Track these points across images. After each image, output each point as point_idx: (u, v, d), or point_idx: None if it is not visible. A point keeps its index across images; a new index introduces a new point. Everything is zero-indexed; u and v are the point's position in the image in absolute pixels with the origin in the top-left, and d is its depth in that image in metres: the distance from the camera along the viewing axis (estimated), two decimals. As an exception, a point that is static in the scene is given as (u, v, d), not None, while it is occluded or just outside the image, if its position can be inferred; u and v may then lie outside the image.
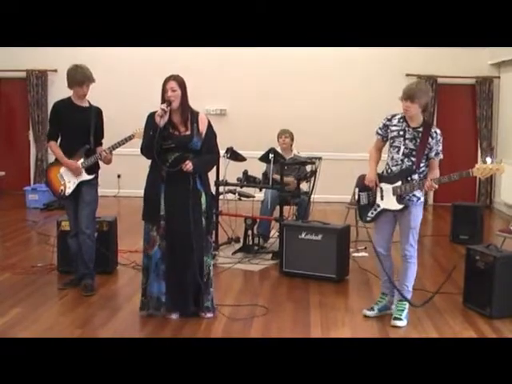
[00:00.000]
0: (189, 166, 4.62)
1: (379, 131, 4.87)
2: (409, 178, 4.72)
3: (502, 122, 10.51)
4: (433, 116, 10.61)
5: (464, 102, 10.78)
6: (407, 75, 10.48)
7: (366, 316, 4.97)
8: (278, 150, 7.21)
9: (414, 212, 4.77)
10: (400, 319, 4.79)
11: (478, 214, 7.79)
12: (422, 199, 4.81)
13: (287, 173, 7.09)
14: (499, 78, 10.54)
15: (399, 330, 4.71)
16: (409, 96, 4.59)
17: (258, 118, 10.53)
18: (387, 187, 4.76)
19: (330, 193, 9.73)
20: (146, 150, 4.70)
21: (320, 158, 6.93)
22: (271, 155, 6.68)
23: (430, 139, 4.65)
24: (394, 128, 4.77)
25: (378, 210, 4.83)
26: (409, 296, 4.87)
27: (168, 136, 4.66)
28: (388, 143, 4.84)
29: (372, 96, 10.51)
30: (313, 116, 10.54)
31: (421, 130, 4.68)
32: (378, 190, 4.81)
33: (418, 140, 4.66)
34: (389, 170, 4.82)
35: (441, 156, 4.71)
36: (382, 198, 4.81)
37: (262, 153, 6.85)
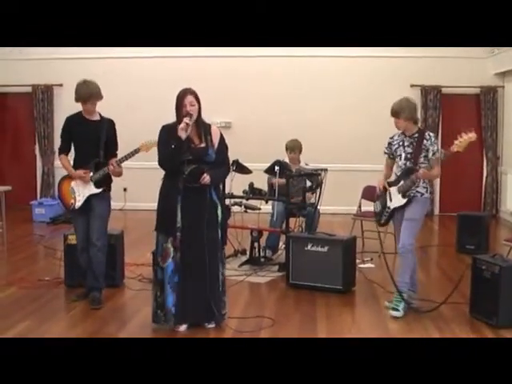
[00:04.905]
0: (206, 179, 4.67)
1: (385, 150, 5.50)
2: (409, 176, 5.21)
3: (507, 131, 10.51)
4: (437, 126, 10.63)
5: (468, 112, 10.77)
6: (412, 86, 10.52)
7: (393, 317, 5.20)
8: (286, 160, 7.25)
9: (414, 205, 5.25)
10: (397, 310, 5.19)
11: (483, 223, 7.77)
12: (427, 195, 5.32)
13: (295, 183, 7.13)
14: (503, 87, 10.56)
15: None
16: (393, 113, 5.28)
17: (263, 130, 10.57)
18: (394, 189, 5.35)
19: (336, 204, 9.75)
20: (168, 163, 4.73)
21: (326, 170, 6.93)
22: (277, 167, 6.71)
23: (424, 141, 5.21)
24: (395, 142, 5.40)
25: (389, 211, 5.40)
26: (405, 288, 5.25)
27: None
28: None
29: (377, 107, 10.44)
30: (318, 127, 10.56)
31: (416, 135, 5.28)
32: (388, 194, 5.39)
33: (415, 144, 5.24)
34: (394, 177, 5.41)
35: (437, 155, 5.16)
36: (391, 200, 5.37)
37: (268, 165, 6.88)
